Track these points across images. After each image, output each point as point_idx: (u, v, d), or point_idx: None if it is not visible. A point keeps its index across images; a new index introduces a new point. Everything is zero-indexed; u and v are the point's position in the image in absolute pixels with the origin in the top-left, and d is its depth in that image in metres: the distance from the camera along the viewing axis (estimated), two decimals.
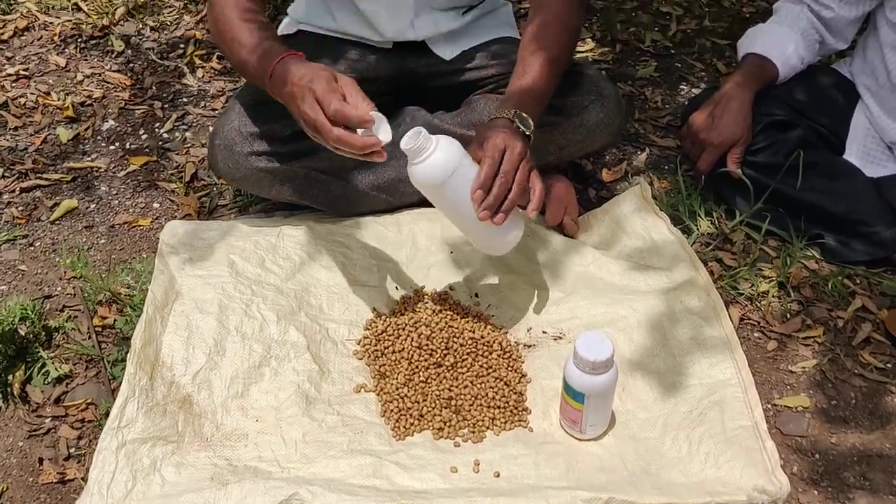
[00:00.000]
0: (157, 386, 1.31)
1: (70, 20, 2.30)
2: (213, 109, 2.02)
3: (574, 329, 1.43)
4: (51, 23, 2.30)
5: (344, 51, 1.65)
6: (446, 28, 1.65)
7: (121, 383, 1.31)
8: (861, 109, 1.71)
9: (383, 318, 1.45)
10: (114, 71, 2.14)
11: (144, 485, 1.19)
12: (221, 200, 1.74)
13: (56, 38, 2.24)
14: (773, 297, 1.53)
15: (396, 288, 1.51)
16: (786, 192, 1.61)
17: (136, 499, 1.17)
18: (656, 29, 2.31)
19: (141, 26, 2.30)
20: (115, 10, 2.33)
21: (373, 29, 1.63)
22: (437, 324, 1.41)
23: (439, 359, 1.37)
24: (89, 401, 1.36)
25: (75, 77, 2.12)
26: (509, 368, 1.37)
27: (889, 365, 1.42)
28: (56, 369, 1.39)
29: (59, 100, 2.04)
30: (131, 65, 2.17)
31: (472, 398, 1.33)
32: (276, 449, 1.25)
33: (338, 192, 1.58)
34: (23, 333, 1.43)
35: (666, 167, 1.84)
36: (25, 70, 2.14)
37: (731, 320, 1.45)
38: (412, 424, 1.29)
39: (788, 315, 1.51)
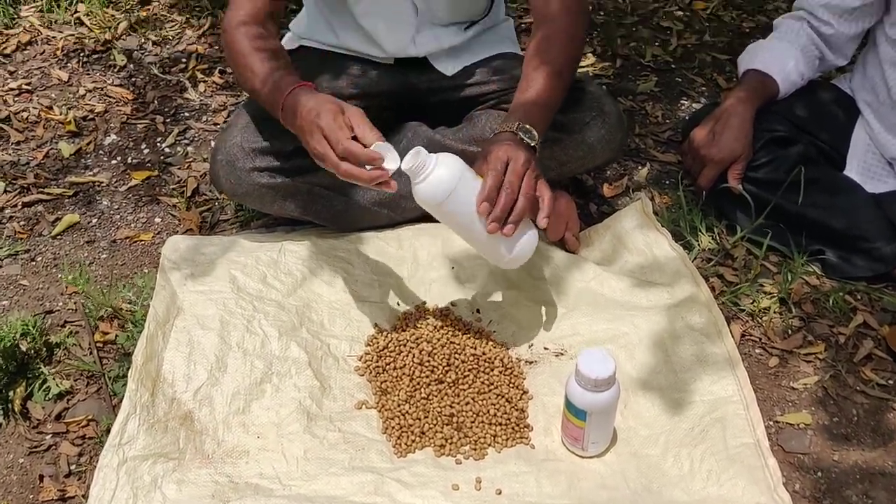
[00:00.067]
0: (158, 402, 1.31)
1: (72, 34, 2.31)
2: (215, 124, 2.02)
3: (576, 345, 1.43)
4: (53, 37, 2.31)
5: (346, 66, 1.66)
6: (448, 44, 1.65)
7: (122, 399, 1.31)
8: (861, 125, 1.71)
9: (385, 333, 1.45)
10: (116, 85, 2.15)
11: (145, 502, 1.18)
12: (223, 215, 1.75)
13: (58, 53, 2.25)
14: (775, 312, 1.53)
15: (398, 303, 1.51)
16: (787, 207, 1.61)
17: None
18: (657, 44, 2.32)
19: (143, 41, 2.31)
20: (118, 24, 2.35)
21: (374, 45, 1.63)
22: (438, 340, 1.41)
23: (441, 375, 1.37)
24: (90, 417, 1.36)
25: (77, 91, 2.12)
26: (511, 385, 1.37)
27: (891, 382, 1.42)
28: (57, 385, 1.39)
29: (61, 114, 2.04)
30: (133, 79, 2.18)
31: (474, 415, 1.33)
32: (278, 466, 1.25)
33: (340, 207, 1.58)
34: (24, 349, 1.43)
35: (667, 182, 1.84)
36: (28, 84, 2.15)
37: (733, 336, 1.45)
38: (413, 441, 1.29)
39: (790, 331, 1.50)
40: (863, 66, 1.73)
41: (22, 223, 1.74)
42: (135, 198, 1.81)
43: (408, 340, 1.42)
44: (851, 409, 1.38)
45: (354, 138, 1.25)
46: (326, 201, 1.57)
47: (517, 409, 1.33)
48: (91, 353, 1.45)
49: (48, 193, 1.82)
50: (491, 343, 1.43)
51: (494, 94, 1.65)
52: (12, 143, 1.96)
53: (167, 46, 2.30)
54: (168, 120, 2.04)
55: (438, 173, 1.24)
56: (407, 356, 1.39)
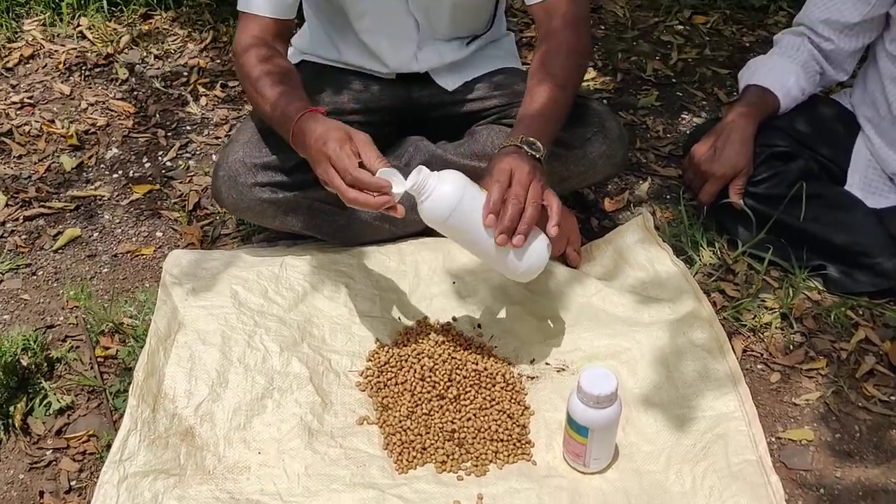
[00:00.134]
0: (159, 418, 1.30)
1: (75, 48, 2.32)
2: (217, 138, 2.03)
3: (577, 361, 1.43)
4: (56, 51, 2.31)
5: (348, 81, 1.66)
6: (450, 59, 1.66)
7: (122, 415, 1.31)
8: (862, 140, 1.71)
9: (386, 349, 1.44)
10: (118, 99, 2.16)
11: None
12: (224, 229, 1.75)
13: (61, 66, 2.26)
14: (776, 328, 1.52)
15: (399, 318, 1.51)
16: (788, 222, 1.61)
17: None
18: (657, 58, 2.32)
19: (145, 54, 2.32)
20: (120, 38, 2.35)
21: (377, 60, 1.64)
22: (439, 355, 1.41)
23: (442, 391, 1.37)
24: (91, 432, 1.36)
25: (79, 105, 2.13)
26: (512, 401, 1.37)
27: (893, 398, 1.42)
28: (58, 401, 1.39)
29: (63, 128, 2.05)
30: (135, 93, 2.18)
31: (476, 431, 1.32)
32: (279, 482, 1.24)
33: (341, 222, 1.58)
34: (25, 364, 1.43)
35: (668, 197, 1.84)
36: (30, 98, 2.15)
37: (735, 352, 1.45)
38: (415, 457, 1.29)
39: (791, 347, 1.50)
40: (863, 81, 1.73)
41: (23, 237, 1.75)
42: (136, 212, 1.81)
43: (409, 356, 1.41)
44: (854, 425, 1.38)
45: (362, 164, 1.25)
46: (328, 216, 1.57)
47: (519, 425, 1.33)
48: (92, 367, 1.45)
49: (50, 207, 1.82)
50: (492, 358, 1.42)
51: (496, 109, 1.65)
52: (14, 157, 1.96)
53: (169, 60, 2.31)
54: (169, 134, 2.04)
55: (441, 190, 1.24)
56: (408, 371, 1.39)
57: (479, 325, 1.50)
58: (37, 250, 1.72)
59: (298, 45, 1.72)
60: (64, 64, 2.26)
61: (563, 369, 1.42)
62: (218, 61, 2.30)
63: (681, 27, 2.46)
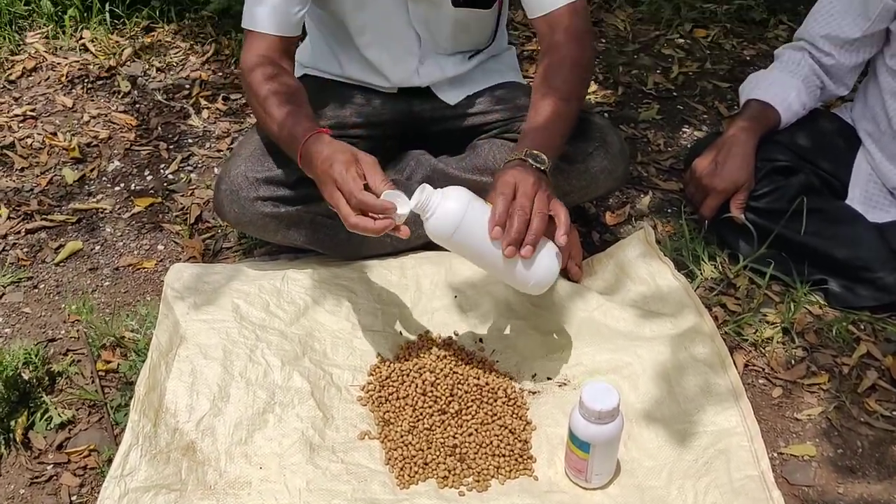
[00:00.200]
0: (160, 433, 1.30)
1: (77, 61, 2.33)
2: (219, 150, 2.03)
3: (579, 375, 1.43)
4: (58, 63, 2.32)
5: (350, 95, 1.67)
6: (451, 73, 1.67)
7: (123, 429, 1.31)
8: (863, 154, 1.72)
9: (387, 363, 1.44)
10: (120, 111, 2.16)
11: None
12: (226, 243, 1.75)
13: (63, 79, 2.26)
14: (778, 342, 1.52)
15: (401, 332, 1.51)
16: (789, 237, 1.61)
17: None
18: (658, 71, 2.33)
19: (147, 67, 2.33)
20: (122, 50, 2.36)
21: (378, 75, 1.64)
22: (441, 370, 1.41)
23: (444, 405, 1.37)
24: (92, 447, 1.36)
25: (82, 118, 2.13)
26: (514, 416, 1.36)
27: (895, 413, 1.42)
28: (59, 415, 1.39)
29: (65, 140, 2.05)
30: (137, 105, 2.19)
31: (477, 446, 1.32)
32: (280, 497, 1.24)
33: (343, 236, 1.58)
34: (26, 378, 1.43)
35: (669, 210, 1.84)
36: (32, 110, 2.16)
37: (736, 367, 1.45)
38: (416, 472, 1.29)
39: (793, 361, 1.50)
40: (864, 95, 1.74)
41: (25, 250, 1.75)
42: (138, 225, 1.81)
43: (411, 370, 1.41)
44: (856, 440, 1.38)
45: (367, 187, 1.25)
46: (330, 230, 1.57)
47: (520, 441, 1.33)
48: (93, 382, 1.45)
49: (51, 220, 1.82)
50: (494, 373, 1.42)
51: (497, 123, 1.66)
52: (16, 170, 1.97)
53: (171, 73, 2.31)
54: (171, 146, 2.04)
55: (446, 207, 1.24)
56: (410, 386, 1.39)
57: (481, 340, 1.50)
58: (38, 263, 1.72)
59: (300, 58, 1.73)
60: (66, 76, 2.27)
61: (565, 384, 1.42)
62: (220, 74, 2.30)
63: (681, 41, 2.47)
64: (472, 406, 1.37)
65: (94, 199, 1.88)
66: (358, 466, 1.29)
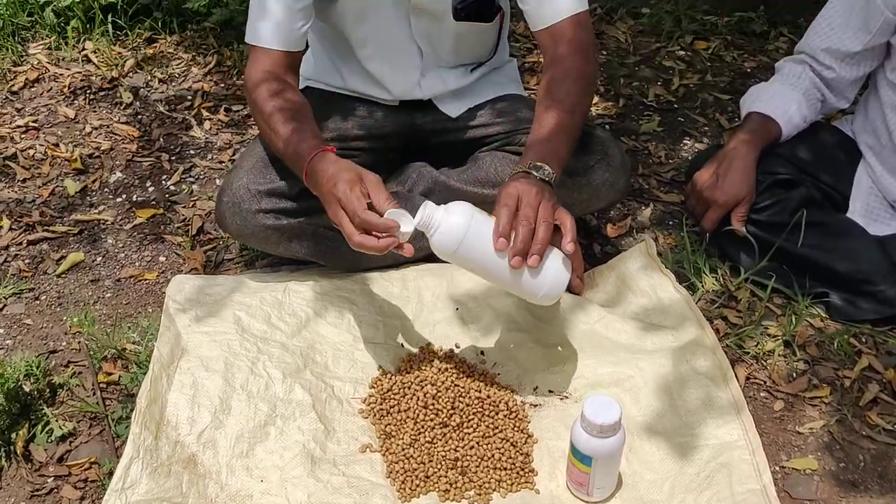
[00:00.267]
0: (161, 446, 1.30)
1: (80, 72, 2.33)
2: (220, 162, 2.03)
3: (580, 388, 1.43)
4: (61, 74, 2.33)
5: (352, 108, 1.67)
6: (453, 86, 1.67)
7: (125, 441, 1.30)
8: (864, 167, 1.72)
9: (389, 376, 1.44)
10: (122, 123, 2.16)
11: None
12: (228, 254, 1.75)
13: (65, 90, 2.27)
14: (779, 355, 1.52)
15: (402, 345, 1.51)
16: (790, 250, 1.61)
17: None
18: (659, 83, 2.34)
19: (149, 78, 2.33)
20: (124, 62, 2.37)
21: (380, 87, 1.65)
22: (443, 382, 1.41)
23: (445, 418, 1.36)
24: (93, 460, 1.35)
25: (84, 129, 2.14)
26: (516, 429, 1.36)
27: None
28: (60, 427, 1.39)
29: (67, 151, 2.06)
30: (139, 116, 2.19)
31: (479, 459, 1.32)
32: None
33: (345, 248, 1.57)
34: (27, 390, 1.42)
35: (670, 223, 1.85)
36: (35, 121, 2.16)
37: (738, 380, 1.45)
38: (418, 486, 1.29)
39: (795, 374, 1.50)
40: (864, 109, 1.74)
41: (27, 261, 1.75)
42: (139, 236, 1.81)
43: (412, 383, 1.41)
44: (858, 454, 1.37)
45: (372, 206, 1.26)
46: (332, 242, 1.57)
47: (522, 454, 1.33)
48: (94, 394, 1.45)
49: (53, 231, 1.82)
50: (496, 386, 1.42)
51: (499, 136, 1.66)
52: (18, 181, 1.97)
53: (173, 84, 2.32)
54: (173, 158, 2.05)
55: (449, 222, 1.24)
56: (411, 399, 1.39)
57: (483, 352, 1.50)
58: (40, 275, 1.72)
59: (303, 71, 1.73)
60: (69, 87, 2.28)
61: (567, 397, 1.42)
62: (222, 85, 2.31)
63: (682, 53, 2.47)
64: (473, 419, 1.37)
65: (96, 211, 1.89)
66: (359, 479, 1.29)
